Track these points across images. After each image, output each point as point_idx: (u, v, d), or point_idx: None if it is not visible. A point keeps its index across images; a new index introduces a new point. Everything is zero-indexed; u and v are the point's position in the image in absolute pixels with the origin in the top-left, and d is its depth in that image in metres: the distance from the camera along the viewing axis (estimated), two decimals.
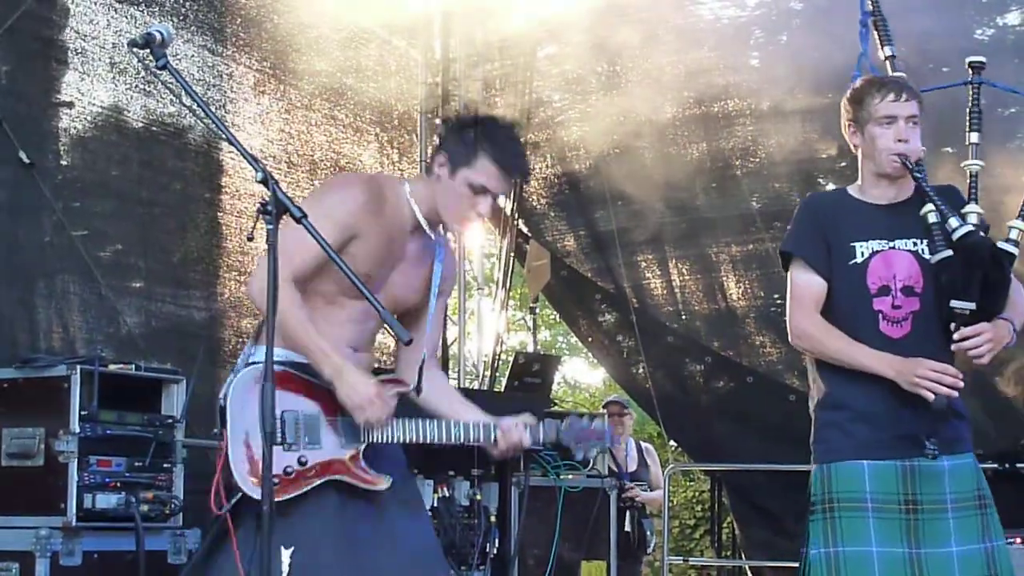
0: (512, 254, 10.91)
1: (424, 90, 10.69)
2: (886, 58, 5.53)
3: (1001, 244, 4.84)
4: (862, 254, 4.90)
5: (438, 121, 10.69)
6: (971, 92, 5.27)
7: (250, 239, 4.24)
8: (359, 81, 10.04)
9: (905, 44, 8.90)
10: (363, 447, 4.76)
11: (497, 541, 8.26)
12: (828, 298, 4.96)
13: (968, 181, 5.05)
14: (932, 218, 4.88)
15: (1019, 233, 4.88)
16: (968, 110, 5.23)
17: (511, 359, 9.92)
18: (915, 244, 4.91)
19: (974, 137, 5.16)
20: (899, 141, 4.86)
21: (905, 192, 4.98)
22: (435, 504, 7.85)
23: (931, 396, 4.64)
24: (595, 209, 10.74)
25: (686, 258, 10.60)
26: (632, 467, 10.72)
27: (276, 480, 4.50)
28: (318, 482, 4.68)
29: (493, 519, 8.24)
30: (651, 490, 10.84)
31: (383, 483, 4.75)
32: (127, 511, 6.46)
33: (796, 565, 8.97)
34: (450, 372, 10.74)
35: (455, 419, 4.94)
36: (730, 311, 10.49)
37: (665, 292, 10.68)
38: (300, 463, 4.66)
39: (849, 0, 8.72)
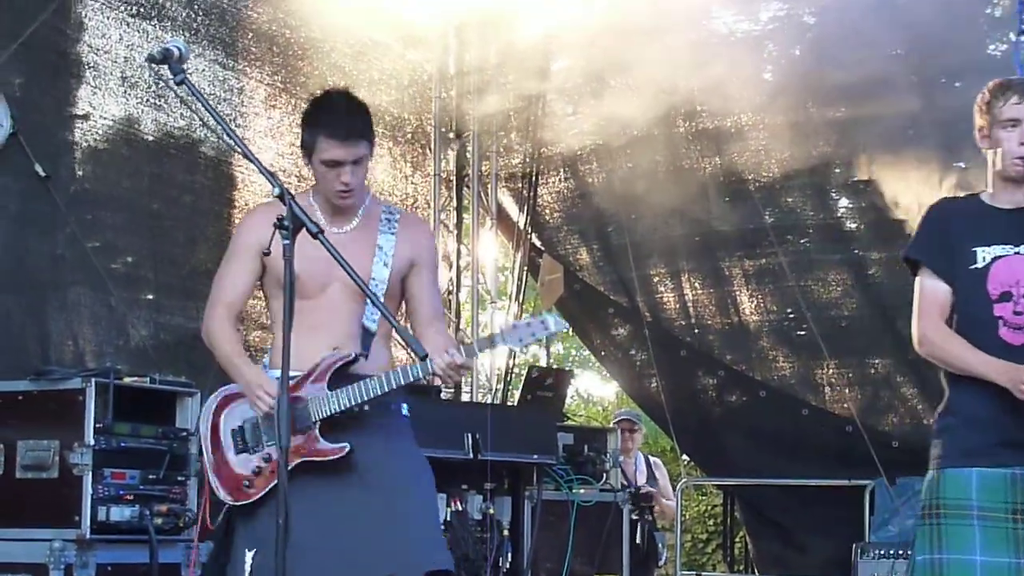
0: (526, 268, 10.91)
1: (438, 104, 10.70)
2: None
3: None
4: (983, 259, 4.81)
5: (451, 135, 10.71)
6: None
7: (267, 254, 4.29)
8: (371, 94, 10.03)
9: (917, 56, 8.97)
10: (315, 425, 4.90)
11: (510, 555, 8.27)
12: (953, 304, 4.89)
13: None
14: None
15: None
16: None
17: (524, 373, 9.92)
18: None
19: None
20: (1022, 144, 4.76)
21: None
22: (448, 518, 7.85)
23: None
24: (608, 223, 10.75)
25: (699, 272, 10.59)
26: (641, 480, 10.72)
27: (248, 482, 4.92)
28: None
29: (506, 533, 8.25)
30: (662, 499, 10.85)
31: (341, 451, 4.89)
32: (141, 524, 6.48)
33: None
34: (463, 386, 10.73)
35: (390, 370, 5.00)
36: (743, 325, 10.48)
37: (678, 306, 10.68)
38: (264, 460, 4.93)
39: (862, 14, 8.80)
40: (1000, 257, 4.79)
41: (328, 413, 4.91)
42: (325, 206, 5.13)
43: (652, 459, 11.42)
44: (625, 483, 9.92)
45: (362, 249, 5.05)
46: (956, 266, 4.83)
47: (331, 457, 4.90)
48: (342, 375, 4.97)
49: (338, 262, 4.36)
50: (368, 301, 4.94)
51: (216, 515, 5.01)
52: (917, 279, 4.95)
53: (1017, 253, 4.78)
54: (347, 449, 4.89)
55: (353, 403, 4.91)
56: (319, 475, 4.91)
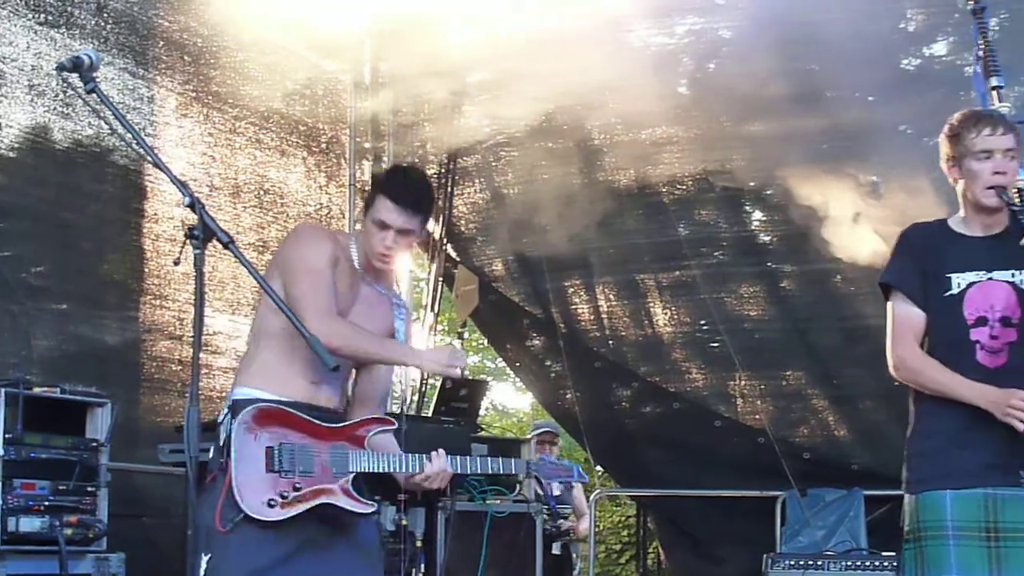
0: (440, 279, 10.89)
1: (353, 114, 10.66)
2: (992, 88, 5.52)
3: None
4: (958, 285, 4.95)
5: (367, 145, 10.68)
6: None
7: (176, 263, 4.26)
8: (285, 105, 10.01)
9: (832, 71, 9.03)
10: (351, 476, 5.01)
11: (423, 566, 8.24)
12: (927, 329, 5.01)
13: None
14: None
15: None
16: None
17: (438, 384, 9.90)
18: (1013, 275, 4.95)
19: None
20: (996, 174, 4.90)
21: (1003, 223, 4.99)
22: None
23: (1021, 426, 4.68)
24: (523, 234, 10.74)
25: (614, 284, 10.62)
26: (557, 491, 10.73)
27: (272, 502, 4.89)
28: (310, 504, 4.93)
29: (419, 544, 8.22)
30: (576, 514, 10.87)
31: (370, 507, 5.04)
32: (51, 534, 6.43)
33: None
34: None
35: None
36: (657, 337, 10.52)
37: (592, 318, 10.69)
38: (295, 488, 4.93)
39: (778, 29, 8.85)
40: (975, 283, 4.94)
41: (368, 469, 5.06)
42: (364, 259, 5.29)
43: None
44: (540, 493, 9.92)
45: (382, 316, 5.31)
46: (931, 292, 4.97)
47: (357, 510, 5.04)
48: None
49: (249, 271, 4.32)
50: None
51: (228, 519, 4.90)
52: (890, 304, 5.08)
53: (990, 279, 4.93)
54: (374, 508, 5.07)
55: (391, 470, 5.10)
56: (328, 526, 5.04)
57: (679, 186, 10.05)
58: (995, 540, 4.78)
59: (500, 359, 15.16)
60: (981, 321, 4.90)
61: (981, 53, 5.60)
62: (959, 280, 4.95)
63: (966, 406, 4.81)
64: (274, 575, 4.87)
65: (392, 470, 5.10)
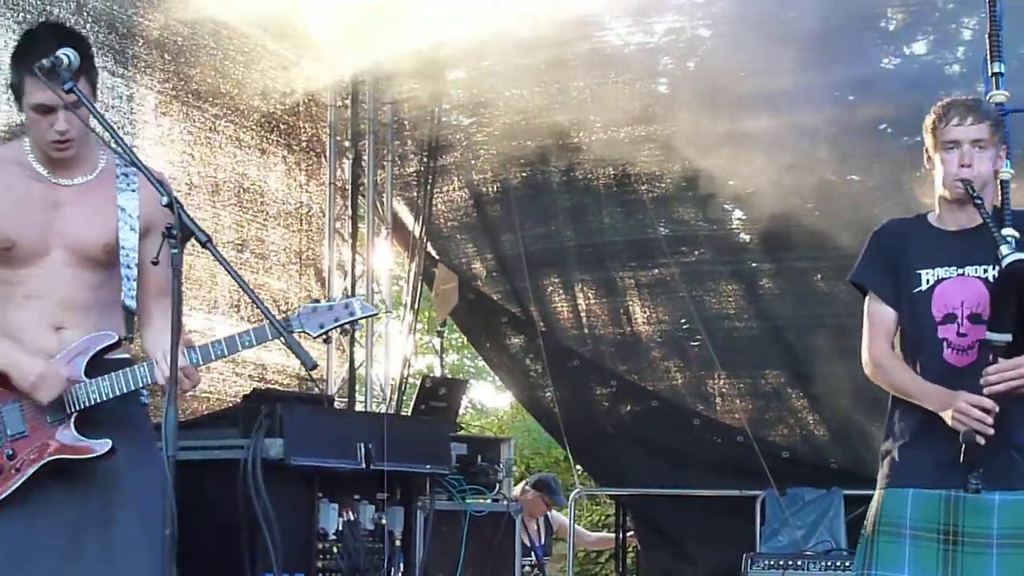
0: (420, 277, 10.88)
1: (333, 113, 10.65)
2: (993, 74, 5.24)
3: None
4: (927, 281, 4.83)
5: (346, 144, 10.68)
6: None
7: (155, 263, 4.22)
8: (265, 103, 9.98)
9: (812, 70, 9.04)
10: (72, 417, 4.49)
11: (402, 565, 8.25)
12: (898, 327, 4.93)
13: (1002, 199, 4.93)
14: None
15: None
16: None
17: (418, 382, 9.91)
18: (986, 271, 4.78)
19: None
20: (962, 166, 4.76)
21: (979, 217, 4.80)
22: (340, 528, 7.81)
23: (961, 429, 4.58)
24: (502, 232, 10.74)
25: (592, 282, 10.62)
26: (543, 540, 10.89)
27: None
28: (36, 467, 4.47)
29: (398, 543, 8.22)
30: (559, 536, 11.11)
31: (100, 447, 4.46)
32: None
33: None
34: (357, 395, 10.69)
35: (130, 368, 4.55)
36: (635, 336, 10.52)
37: (571, 316, 10.70)
38: (8, 456, 4.48)
39: (757, 28, 8.86)
40: (944, 279, 4.81)
41: (89, 403, 4.50)
42: (43, 157, 4.64)
43: (549, 514, 11.59)
44: (527, 544, 9.98)
45: (101, 208, 4.59)
46: (900, 289, 4.86)
47: (89, 455, 4.48)
48: (103, 363, 4.55)
49: (227, 271, 4.25)
50: (124, 272, 4.54)
51: None
52: (865, 302, 5.00)
53: (961, 275, 4.80)
54: (109, 446, 4.47)
55: (119, 393, 4.51)
56: (66, 478, 4.51)
57: (658, 184, 10.05)
58: (952, 543, 4.68)
59: (479, 358, 15.15)
60: (949, 318, 4.78)
61: (988, 37, 5.30)
62: (928, 276, 4.84)
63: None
64: (32, 554, 4.42)
65: (117, 393, 4.47)
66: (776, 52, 8.76)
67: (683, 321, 10.38)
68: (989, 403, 4.55)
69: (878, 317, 4.93)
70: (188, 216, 4.10)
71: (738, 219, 10.27)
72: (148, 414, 4.84)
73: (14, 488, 4.47)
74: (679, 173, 9.85)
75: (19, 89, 4.56)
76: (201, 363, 4.46)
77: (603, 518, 16.57)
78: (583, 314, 10.67)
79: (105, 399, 4.49)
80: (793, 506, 9.62)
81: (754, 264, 10.14)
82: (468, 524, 8.69)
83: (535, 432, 17.14)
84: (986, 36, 5.30)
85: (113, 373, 4.51)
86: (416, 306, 11.00)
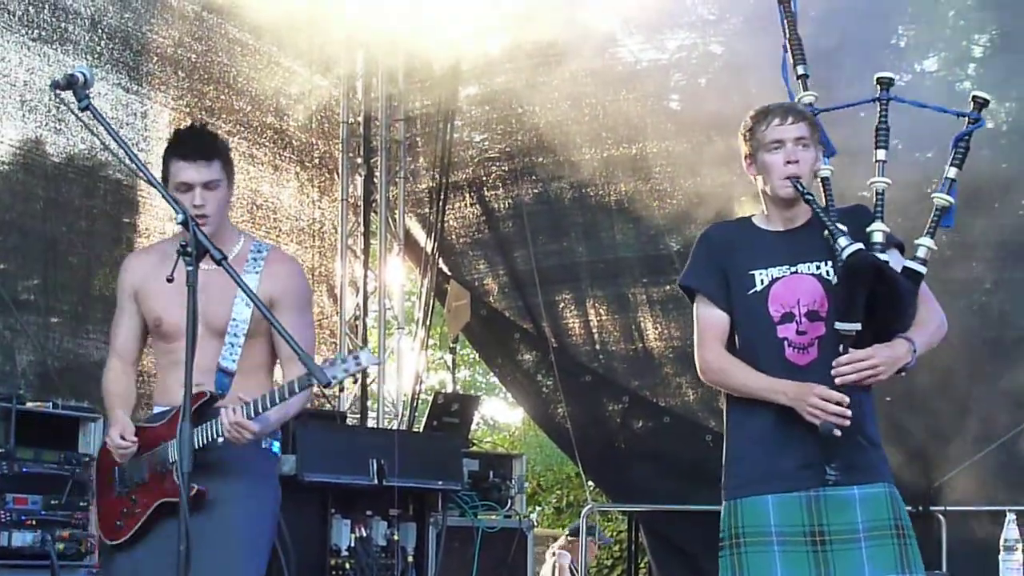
0: (432, 293, 10.90)
1: (346, 130, 10.69)
2: (799, 77, 5.31)
3: (908, 263, 4.74)
4: (761, 282, 4.77)
5: (359, 160, 10.71)
6: (879, 108, 5.14)
7: (170, 281, 4.26)
8: (278, 119, 10.03)
9: (823, 88, 9.05)
10: (172, 465, 4.92)
11: None
12: (733, 329, 4.86)
13: (875, 199, 4.91)
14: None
15: (926, 251, 4.76)
16: (876, 127, 5.10)
17: (430, 399, 9.93)
18: (818, 267, 4.75)
19: (880, 154, 5.02)
20: (788, 163, 4.74)
21: (806, 215, 4.83)
22: (352, 544, 7.84)
23: (817, 423, 4.51)
24: (514, 248, 10.76)
25: (604, 298, 10.62)
26: None
27: (120, 522, 5.04)
28: (150, 510, 4.98)
29: (411, 559, 8.25)
30: None
31: (204, 489, 4.87)
32: (43, 549, 6.44)
33: None
34: (369, 411, 10.71)
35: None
36: (647, 351, 10.52)
37: (583, 332, 10.70)
38: (132, 500, 5.03)
39: (770, 44, 8.86)
40: (778, 279, 4.76)
41: (175, 456, 4.86)
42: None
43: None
44: None
45: (228, 288, 4.94)
46: (734, 292, 4.82)
47: (176, 498, 4.73)
48: (205, 414, 4.94)
49: (241, 288, 4.33)
50: (227, 340, 5.05)
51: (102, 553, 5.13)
52: (694, 307, 4.94)
53: (794, 272, 4.76)
54: (194, 491, 4.78)
55: (200, 445, 4.86)
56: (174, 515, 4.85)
57: (670, 200, 10.06)
58: (821, 544, 4.62)
59: (491, 374, 15.17)
60: (787, 317, 4.73)
61: (788, 41, 5.40)
62: (762, 276, 4.78)
63: (776, 406, 4.65)
64: None
65: (205, 441, 4.88)
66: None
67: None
68: (839, 395, 4.52)
69: (710, 321, 4.87)
70: (203, 234, 4.13)
71: None
72: (269, 459, 5.24)
73: (136, 529, 5.01)
74: (691, 189, 9.85)
75: (166, 174, 5.07)
76: (252, 415, 4.84)
77: (615, 534, 16.59)
78: (595, 330, 10.67)
79: (198, 447, 4.81)
80: None
81: None
82: (480, 540, 8.70)
83: (547, 448, 17.20)
84: (785, 41, 5.38)
85: (201, 425, 4.90)
86: (428, 322, 11.02)
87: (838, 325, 4.56)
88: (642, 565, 11.62)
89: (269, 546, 5.17)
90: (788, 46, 5.35)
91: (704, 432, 10.41)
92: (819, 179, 4.89)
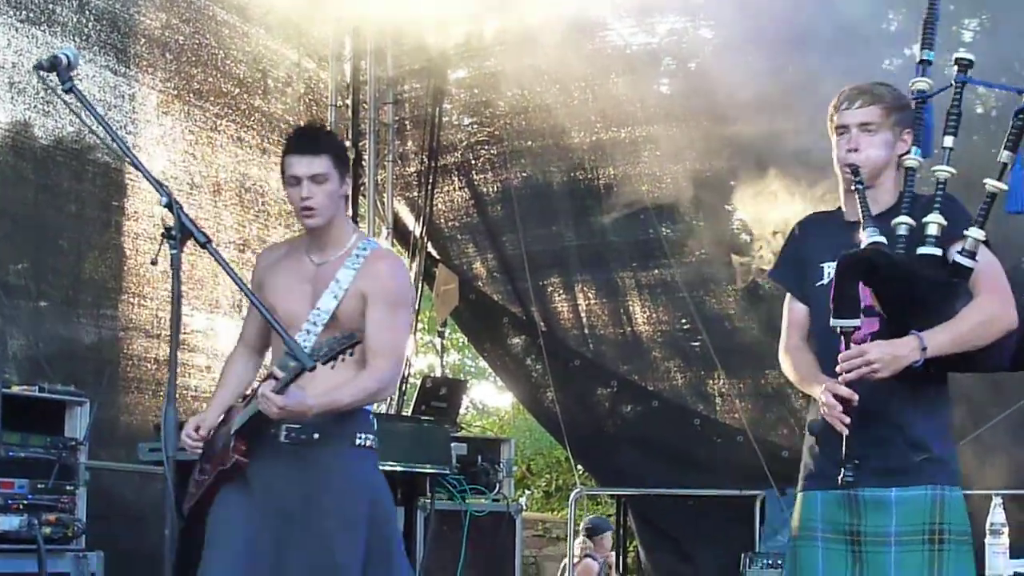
0: (421, 277, 10.89)
1: (334, 113, 10.66)
2: (920, 62, 4.96)
3: (954, 256, 4.51)
4: (828, 274, 4.69)
5: (347, 143, 10.68)
6: (954, 92, 4.85)
7: (153, 263, 4.28)
8: (266, 103, 10.00)
9: (811, 71, 9.04)
10: (232, 437, 5.20)
11: None
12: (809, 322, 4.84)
13: (935, 188, 4.66)
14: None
15: (974, 243, 4.53)
16: (947, 111, 4.81)
17: (419, 382, 9.91)
18: None
19: (948, 141, 4.75)
20: (849, 151, 4.63)
21: (878, 206, 4.68)
22: None
23: (835, 422, 4.45)
24: (503, 233, 10.74)
25: (593, 283, 10.62)
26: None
27: (192, 490, 5.39)
28: (212, 478, 5.29)
29: None
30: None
31: (232, 459, 5.17)
32: (29, 533, 6.44)
33: None
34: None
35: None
36: (636, 336, 10.52)
37: (572, 316, 10.70)
38: (204, 469, 5.36)
39: (760, 29, 8.86)
40: None
41: (236, 427, 5.18)
42: (310, 240, 5.42)
43: None
44: None
45: (324, 282, 5.30)
46: (808, 283, 4.78)
47: (226, 466, 5.19)
48: None
49: (226, 272, 4.32)
50: (305, 326, 5.22)
51: None
52: (786, 297, 4.94)
53: None
54: (233, 461, 5.14)
55: (246, 418, 5.14)
56: (234, 490, 5.25)
57: (659, 185, 10.05)
58: (857, 544, 4.59)
59: (480, 358, 15.16)
60: None
61: (924, 22, 5.03)
62: (829, 269, 4.68)
63: None
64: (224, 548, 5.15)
65: (245, 418, 5.17)
66: (779, 53, 8.76)
67: (684, 321, 10.37)
68: (845, 391, 4.44)
69: (791, 314, 4.89)
70: (187, 217, 4.12)
71: (739, 220, 10.24)
72: (355, 454, 5.36)
73: (202, 492, 5.33)
74: (680, 173, 9.84)
75: (283, 172, 5.33)
76: (276, 390, 4.95)
77: (604, 518, 16.60)
78: (584, 314, 10.67)
79: (243, 423, 5.18)
80: (793, 506, 9.59)
81: (755, 265, 10.11)
82: (468, 524, 8.70)
83: (536, 432, 17.21)
84: (921, 23, 5.10)
85: (244, 410, 5.24)
86: (417, 306, 11.01)
87: (833, 322, 4.48)
88: (630, 549, 11.64)
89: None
90: (923, 28, 5.00)
91: (692, 416, 10.42)
92: (904, 168, 4.71)
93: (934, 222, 4.55)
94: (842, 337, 4.49)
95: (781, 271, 4.98)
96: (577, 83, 9.89)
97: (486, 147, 10.61)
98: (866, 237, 4.52)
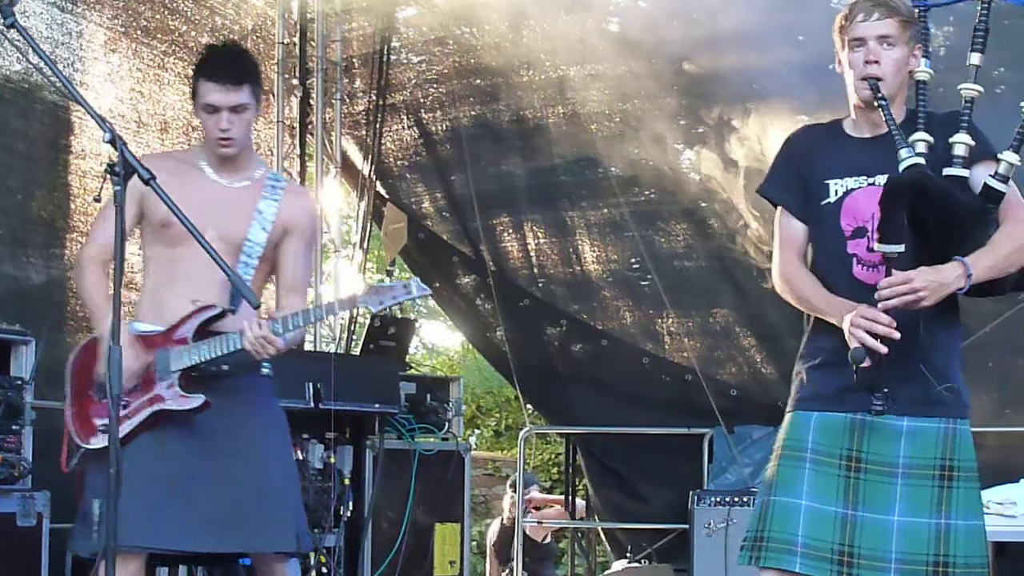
0: (369, 216, 10.86)
1: (281, 50, 10.58)
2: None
3: (987, 179, 4.40)
4: (835, 192, 4.53)
5: (295, 81, 10.61)
6: (980, 6, 4.61)
7: (97, 200, 4.26)
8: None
9: (767, 11, 9.01)
10: (174, 375, 5.00)
11: (351, 504, 8.28)
12: (809, 241, 4.66)
13: (962, 106, 4.50)
14: (919, 148, 4.45)
15: (1008, 167, 4.40)
16: (974, 27, 4.59)
17: (367, 322, 9.90)
18: None
19: (975, 58, 4.55)
20: (867, 63, 4.45)
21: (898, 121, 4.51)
22: None
23: (854, 344, 4.31)
24: (452, 171, 10.71)
25: (542, 222, 10.60)
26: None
27: (104, 428, 4.98)
28: (140, 417, 5.02)
29: (347, 482, 8.26)
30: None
31: (196, 402, 4.99)
32: None
33: (647, 527, 8.99)
34: (306, 335, 10.67)
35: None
36: (586, 275, 10.53)
37: (521, 256, 10.69)
38: (123, 406, 4.92)
39: None
40: (853, 190, 4.53)
41: (187, 364, 4.99)
42: (212, 159, 5.28)
43: None
44: None
45: (243, 209, 5.19)
46: (810, 201, 4.60)
47: (185, 407, 4.99)
48: (208, 330, 5.04)
49: (170, 208, 4.29)
50: (242, 258, 5.11)
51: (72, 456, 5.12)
52: (776, 215, 4.74)
53: (872, 184, 4.50)
54: (201, 401, 4.97)
55: (211, 356, 4.98)
56: (175, 428, 5.03)
57: (607, 123, 10.03)
58: (855, 470, 4.45)
59: (430, 297, 15.15)
60: (859, 232, 4.50)
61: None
62: (837, 187, 4.54)
63: (834, 325, 4.44)
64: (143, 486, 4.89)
65: (212, 355, 5.00)
66: None
67: (633, 261, 10.38)
68: (885, 318, 4.29)
69: (787, 232, 4.67)
70: (131, 154, 4.09)
71: (688, 159, 10.25)
72: (267, 384, 5.34)
73: (128, 431, 4.98)
74: (629, 112, 9.83)
75: (194, 92, 5.20)
76: (280, 331, 4.89)
77: (553, 456, 16.66)
78: (533, 254, 10.66)
79: (202, 361, 4.99)
80: (741, 444, 9.66)
81: (704, 204, 10.13)
82: (417, 463, 8.72)
83: (486, 371, 17.20)
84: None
85: (211, 339, 5.00)
86: (365, 245, 10.98)
87: (877, 247, 4.35)
88: (580, 487, 11.69)
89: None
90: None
91: (642, 355, 10.45)
92: (914, 80, 4.58)
93: (962, 142, 4.45)
94: (885, 263, 4.35)
95: (779, 188, 4.75)
96: (527, 21, 9.84)
97: (435, 86, 10.55)
98: (905, 157, 4.37)
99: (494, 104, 10.34)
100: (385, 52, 10.54)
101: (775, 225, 4.74)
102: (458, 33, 10.29)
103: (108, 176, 4.08)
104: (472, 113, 10.46)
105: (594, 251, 10.45)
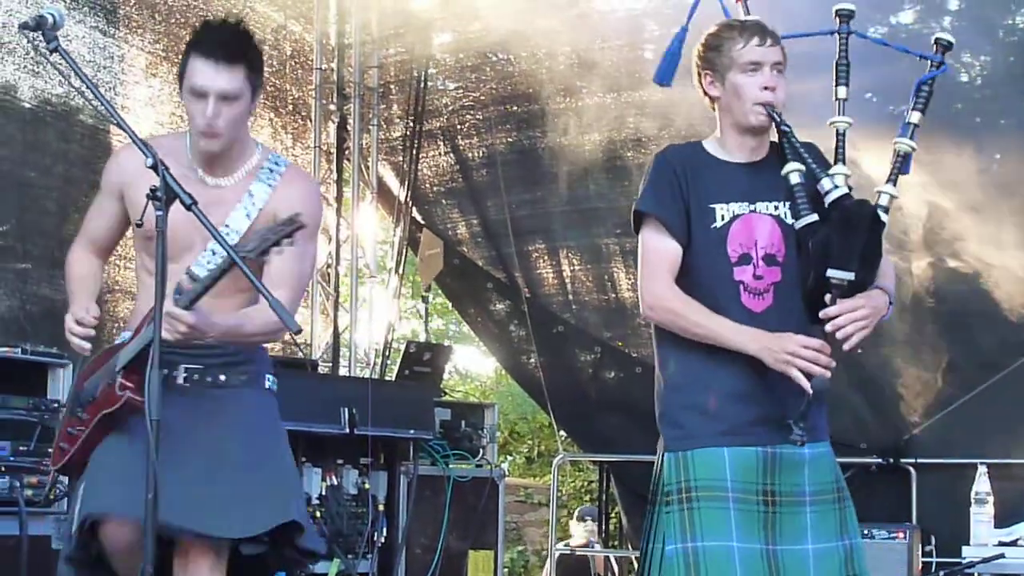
0: (405, 242, 10.88)
1: (319, 76, 10.63)
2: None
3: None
4: (722, 217, 4.41)
5: (332, 107, 10.64)
6: (839, 42, 4.73)
7: (139, 225, 4.22)
8: None
9: (800, 41, 9.01)
10: (118, 375, 4.49)
11: (385, 530, 8.28)
12: (684, 266, 4.44)
13: (836, 140, 4.57)
14: (795, 178, 4.43)
15: (888, 198, 4.47)
16: (835, 62, 4.70)
17: (402, 347, 9.92)
18: (776, 207, 4.44)
19: (841, 92, 4.64)
20: (765, 89, 4.41)
21: (764, 150, 4.52)
22: (323, 492, 7.85)
23: (800, 376, 4.21)
24: (488, 198, 10.73)
25: (577, 249, 10.61)
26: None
27: (65, 445, 4.73)
28: (91, 425, 4.61)
29: (381, 508, 8.26)
30: None
31: (119, 401, 4.48)
32: (11, 496, 6.43)
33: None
34: (341, 360, 10.69)
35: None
36: (620, 302, 10.51)
37: (556, 282, 10.69)
38: (80, 419, 4.67)
39: None
40: (738, 216, 4.42)
41: (123, 364, 4.52)
42: (199, 155, 4.71)
43: None
44: None
45: (228, 203, 4.67)
46: (694, 224, 4.43)
47: (114, 407, 4.52)
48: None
49: (212, 234, 4.20)
50: (210, 247, 4.54)
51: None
52: (641, 234, 4.55)
53: (753, 211, 4.43)
54: (124, 398, 4.45)
55: (138, 349, 4.44)
56: (123, 434, 4.58)
57: (643, 150, 10.03)
58: (772, 504, 4.36)
59: (464, 323, 15.16)
60: (745, 259, 4.39)
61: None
62: (723, 212, 4.42)
63: (735, 353, 4.30)
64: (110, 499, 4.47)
65: (137, 349, 4.42)
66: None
67: None
68: (818, 343, 4.25)
69: (662, 251, 4.45)
70: (173, 178, 4.09)
71: None
72: (269, 400, 4.99)
73: (79, 445, 4.67)
74: (665, 139, 9.82)
75: (182, 73, 4.63)
76: (186, 303, 4.27)
77: (586, 484, 16.61)
78: (568, 280, 10.66)
79: (132, 356, 4.46)
80: None
81: None
82: (451, 489, 8.71)
83: (519, 398, 17.17)
84: None
85: (137, 337, 4.54)
86: (401, 271, 11.00)
87: (832, 273, 4.27)
88: (613, 515, 11.66)
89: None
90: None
91: None
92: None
93: (840, 173, 4.48)
94: (826, 289, 4.29)
95: (659, 204, 4.49)
96: (562, 48, 9.85)
97: (471, 112, 10.58)
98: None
99: (530, 130, 10.35)
100: (422, 78, 10.57)
101: (641, 245, 4.57)
102: (494, 60, 10.31)
103: (150, 200, 4.05)
104: (508, 139, 10.48)
105: (629, 278, 10.43)
